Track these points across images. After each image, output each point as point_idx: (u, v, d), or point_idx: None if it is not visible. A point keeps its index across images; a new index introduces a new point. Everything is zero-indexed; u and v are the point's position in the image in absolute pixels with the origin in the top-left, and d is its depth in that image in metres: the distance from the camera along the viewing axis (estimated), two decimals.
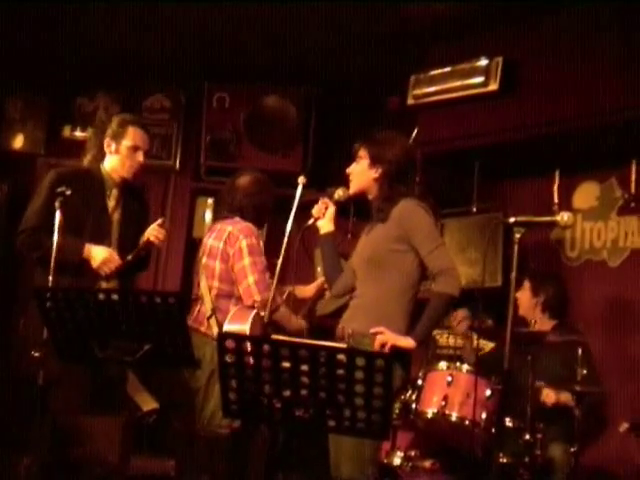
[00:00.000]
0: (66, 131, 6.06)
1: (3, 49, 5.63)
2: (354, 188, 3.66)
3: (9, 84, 6.02)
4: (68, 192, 3.69)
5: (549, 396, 4.27)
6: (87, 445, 3.42)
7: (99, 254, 3.86)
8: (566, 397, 4.20)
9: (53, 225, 3.62)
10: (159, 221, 4.01)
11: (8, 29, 5.38)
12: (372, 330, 3.39)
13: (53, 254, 3.55)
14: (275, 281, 3.65)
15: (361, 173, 3.63)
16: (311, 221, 3.74)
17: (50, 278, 3.53)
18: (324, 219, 3.75)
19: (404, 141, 3.73)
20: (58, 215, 3.62)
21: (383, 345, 3.33)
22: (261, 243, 4.19)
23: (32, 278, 3.96)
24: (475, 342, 4.79)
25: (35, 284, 3.82)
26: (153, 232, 3.97)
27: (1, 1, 5.02)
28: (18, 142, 6.10)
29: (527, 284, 4.75)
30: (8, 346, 5.28)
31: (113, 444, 3.41)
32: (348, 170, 3.68)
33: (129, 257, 3.92)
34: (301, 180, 3.74)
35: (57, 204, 3.64)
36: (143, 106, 6.06)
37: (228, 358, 2.59)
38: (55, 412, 3.62)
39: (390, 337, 3.36)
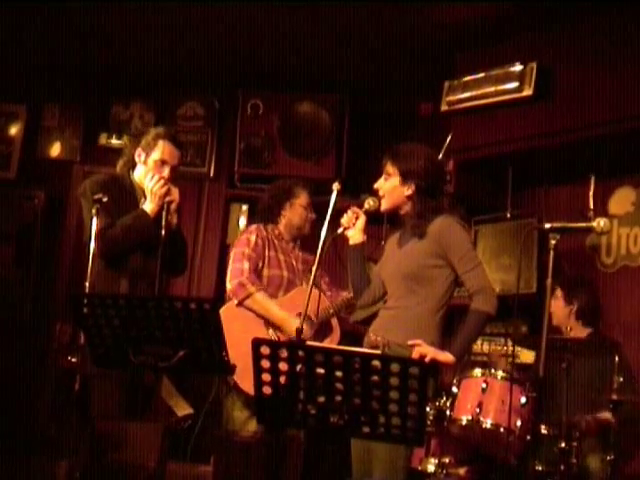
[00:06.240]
0: (102, 139, 6.10)
1: (39, 58, 5.72)
2: (387, 205, 3.62)
3: (46, 93, 6.11)
4: (105, 199, 3.73)
5: (590, 425, 4.12)
6: (126, 450, 3.44)
7: (148, 201, 3.91)
8: (606, 417, 4.10)
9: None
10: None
11: (44, 38, 5.46)
12: (410, 342, 3.40)
13: (90, 259, 3.59)
14: (310, 285, 3.64)
15: (393, 190, 3.60)
16: (340, 230, 3.71)
17: (87, 284, 3.56)
18: (354, 229, 3.71)
19: (430, 152, 3.69)
20: (95, 221, 3.66)
21: (422, 357, 3.33)
22: (252, 237, 4.49)
23: (68, 283, 4.00)
24: (509, 349, 4.76)
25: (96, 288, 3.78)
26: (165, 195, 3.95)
27: (36, 11, 5.09)
28: (55, 150, 6.17)
29: (559, 292, 4.67)
30: (45, 351, 5.33)
31: (151, 450, 3.43)
32: (376, 185, 3.64)
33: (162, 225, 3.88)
34: (335, 187, 3.70)
35: (94, 211, 3.68)
36: (177, 114, 6.09)
37: (263, 364, 2.60)
38: (92, 417, 3.66)
39: (430, 350, 3.36)
